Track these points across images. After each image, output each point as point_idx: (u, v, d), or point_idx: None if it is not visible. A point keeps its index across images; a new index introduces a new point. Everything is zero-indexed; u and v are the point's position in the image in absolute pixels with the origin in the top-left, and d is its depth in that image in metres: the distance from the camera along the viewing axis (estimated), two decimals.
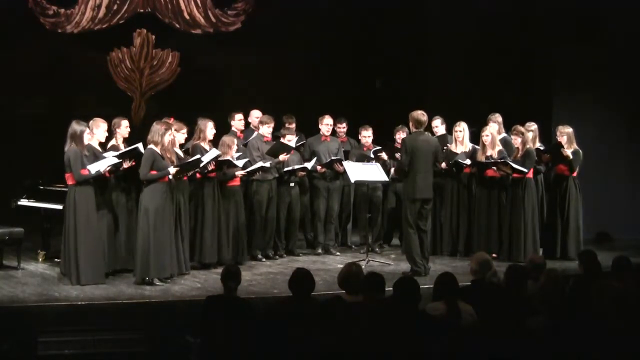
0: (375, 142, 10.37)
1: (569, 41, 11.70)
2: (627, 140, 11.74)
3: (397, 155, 9.45)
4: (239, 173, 9.17)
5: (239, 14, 13.27)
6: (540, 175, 9.77)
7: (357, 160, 10.07)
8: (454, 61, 12.79)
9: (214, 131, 9.17)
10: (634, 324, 4.86)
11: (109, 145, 8.61)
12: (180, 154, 8.78)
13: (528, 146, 9.49)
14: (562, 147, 9.70)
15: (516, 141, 9.53)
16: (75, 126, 8.03)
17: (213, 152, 8.86)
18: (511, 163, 9.39)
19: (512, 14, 12.10)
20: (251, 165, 9.37)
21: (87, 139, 8.11)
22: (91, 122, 8.37)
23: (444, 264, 9.34)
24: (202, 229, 8.93)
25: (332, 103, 11.94)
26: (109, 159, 8.15)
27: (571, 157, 9.71)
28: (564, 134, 9.79)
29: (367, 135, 10.29)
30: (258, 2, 13.19)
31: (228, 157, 9.05)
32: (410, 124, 8.80)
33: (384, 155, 10.12)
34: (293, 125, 10.18)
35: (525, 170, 9.40)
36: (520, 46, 12.06)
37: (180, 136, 8.76)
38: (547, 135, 10.00)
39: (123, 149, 8.53)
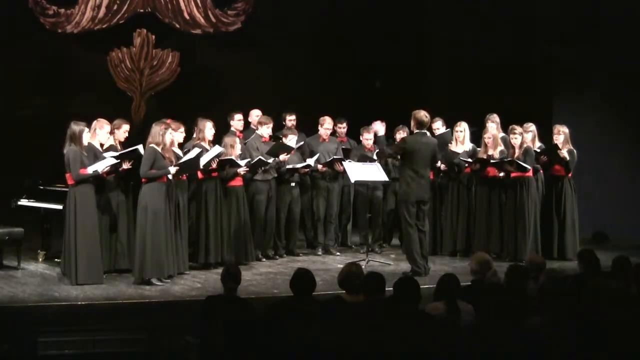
0: (375, 142, 10.35)
1: (569, 41, 11.70)
2: (627, 141, 11.74)
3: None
4: (241, 170, 9.15)
5: (239, 14, 13.28)
6: (540, 174, 9.76)
7: (359, 161, 10.07)
8: (454, 61, 12.79)
9: (213, 131, 9.17)
10: (634, 323, 4.86)
11: (106, 146, 8.62)
12: (180, 153, 8.78)
13: (527, 145, 9.49)
14: (559, 148, 9.70)
15: (514, 141, 9.52)
16: (74, 126, 8.05)
17: (216, 149, 8.86)
18: (517, 161, 9.38)
19: (512, 14, 12.10)
20: (254, 160, 9.35)
21: (86, 137, 8.13)
22: (95, 122, 8.43)
23: (444, 264, 9.35)
24: (207, 229, 8.93)
25: (332, 103, 11.95)
26: (108, 160, 8.16)
27: (568, 158, 9.71)
28: (562, 133, 9.79)
29: (368, 138, 10.27)
30: (258, 2, 13.19)
31: (231, 157, 9.04)
32: (412, 123, 8.78)
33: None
34: (294, 117, 10.22)
35: (529, 167, 9.40)
36: (521, 46, 12.06)
37: (179, 135, 8.76)
38: (547, 135, 10.01)
39: (120, 149, 8.54)
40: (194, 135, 9.22)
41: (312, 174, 10.14)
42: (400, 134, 10.05)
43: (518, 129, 9.52)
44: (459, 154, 9.90)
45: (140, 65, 12.99)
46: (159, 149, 8.17)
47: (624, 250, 8.59)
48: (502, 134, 9.99)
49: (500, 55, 12.25)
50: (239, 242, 9.21)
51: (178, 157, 8.54)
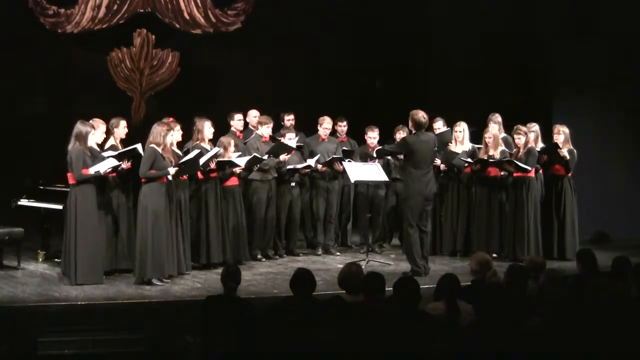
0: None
1: (569, 41, 11.70)
2: (627, 141, 11.74)
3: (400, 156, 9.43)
4: (237, 169, 9.15)
5: (239, 14, 13.27)
6: (540, 174, 9.77)
7: (361, 159, 10.07)
8: (454, 61, 12.78)
9: (212, 130, 9.17)
10: (634, 323, 4.86)
11: (107, 145, 8.63)
12: (180, 153, 8.78)
13: (530, 145, 9.50)
14: (559, 147, 9.71)
15: (519, 141, 9.54)
16: (81, 126, 8.07)
17: (214, 150, 8.86)
18: (516, 162, 9.40)
19: (512, 13, 12.10)
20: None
21: (91, 140, 8.17)
22: (90, 121, 8.41)
23: (444, 264, 9.35)
24: (207, 230, 8.93)
25: (332, 103, 11.95)
26: (109, 161, 8.17)
27: (568, 157, 9.71)
28: (562, 133, 9.80)
29: (372, 137, 10.25)
30: (258, 2, 13.19)
31: (228, 158, 9.04)
32: (410, 124, 8.79)
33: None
34: (292, 117, 10.24)
35: (529, 168, 9.40)
36: (520, 46, 12.06)
37: (177, 134, 8.76)
38: (547, 135, 10.02)
39: (121, 149, 8.54)
40: (193, 136, 9.21)
41: (311, 174, 10.14)
42: (400, 134, 10.03)
43: (522, 129, 9.53)
44: (458, 154, 9.90)
45: (140, 65, 12.99)
46: (159, 150, 8.17)
47: (624, 250, 8.60)
48: (503, 134, 10.00)
49: (500, 55, 12.24)
50: (235, 242, 9.21)
51: (178, 157, 8.54)
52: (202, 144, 9.02)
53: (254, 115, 10.15)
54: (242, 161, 9.16)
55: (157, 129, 8.26)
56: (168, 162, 8.23)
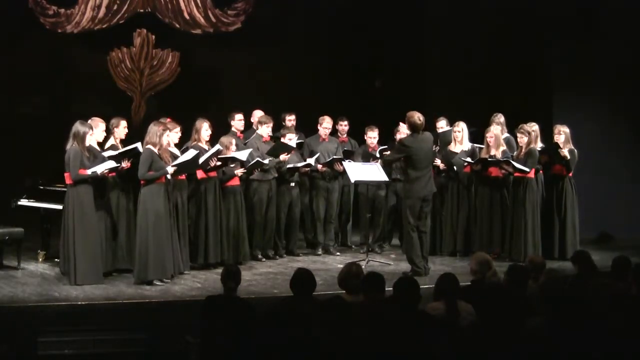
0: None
1: (569, 41, 11.70)
2: (627, 140, 11.74)
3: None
4: (238, 172, 9.15)
5: (239, 14, 13.29)
6: (540, 174, 9.77)
7: (363, 159, 10.07)
8: (454, 61, 12.78)
9: (210, 132, 9.14)
10: (634, 323, 4.86)
11: (107, 145, 8.63)
12: (178, 153, 8.77)
13: (532, 146, 9.50)
14: (560, 147, 9.71)
15: (522, 140, 9.53)
16: (79, 126, 8.05)
17: (214, 148, 8.86)
18: (514, 163, 9.40)
19: (512, 13, 12.10)
20: (253, 157, 9.33)
21: (89, 140, 8.16)
22: (89, 121, 8.41)
23: (444, 264, 9.34)
24: (206, 229, 8.93)
25: (332, 103, 11.94)
26: (107, 163, 8.16)
27: (569, 157, 9.71)
28: (562, 133, 9.80)
29: (372, 136, 10.25)
30: (258, 2, 13.20)
31: (230, 155, 9.04)
32: (407, 126, 8.80)
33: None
34: (293, 117, 10.23)
35: (527, 170, 9.40)
36: (520, 46, 12.06)
37: (174, 135, 8.75)
38: (547, 135, 10.02)
39: (121, 148, 8.54)
40: (192, 136, 9.19)
41: (312, 174, 10.13)
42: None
43: (526, 128, 9.52)
44: (456, 153, 9.89)
45: (140, 65, 13.00)
46: (156, 150, 8.17)
47: (624, 250, 8.61)
48: (505, 135, 9.99)
49: (500, 55, 12.24)
50: (235, 242, 9.21)
51: (175, 157, 8.53)
52: (200, 144, 9.01)
53: (259, 115, 10.13)
54: (243, 155, 9.13)
55: (153, 129, 8.25)
56: (165, 162, 8.21)
